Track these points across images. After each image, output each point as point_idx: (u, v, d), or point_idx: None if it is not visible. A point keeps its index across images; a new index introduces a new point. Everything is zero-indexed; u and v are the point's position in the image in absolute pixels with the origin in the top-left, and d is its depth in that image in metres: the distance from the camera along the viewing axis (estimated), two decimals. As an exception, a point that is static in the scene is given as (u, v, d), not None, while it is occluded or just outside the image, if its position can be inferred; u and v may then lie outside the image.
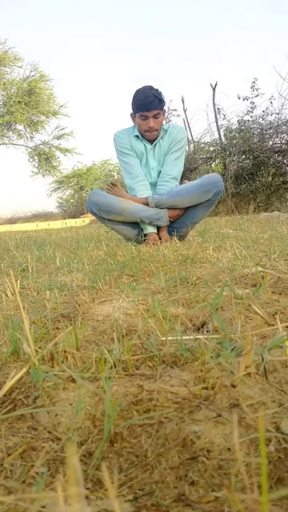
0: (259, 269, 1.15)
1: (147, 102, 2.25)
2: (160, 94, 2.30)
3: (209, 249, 1.76)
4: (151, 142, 2.42)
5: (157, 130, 2.34)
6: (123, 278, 1.29)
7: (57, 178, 19.81)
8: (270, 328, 0.68)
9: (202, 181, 2.31)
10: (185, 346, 0.63)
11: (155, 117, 2.30)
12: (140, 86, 2.39)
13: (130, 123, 2.51)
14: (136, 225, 2.41)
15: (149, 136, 2.36)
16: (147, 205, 2.32)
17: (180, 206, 2.33)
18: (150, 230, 2.35)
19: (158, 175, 2.47)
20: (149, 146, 2.42)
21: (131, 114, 2.42)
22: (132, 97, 2.35)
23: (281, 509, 0.33)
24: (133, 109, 2.36)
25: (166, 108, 2.41)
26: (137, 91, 2.32)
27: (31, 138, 17.53)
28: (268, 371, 0.55)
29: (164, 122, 2.46)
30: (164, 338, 0.67)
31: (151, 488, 0.36)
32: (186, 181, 2.50)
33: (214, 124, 8.18)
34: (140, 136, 2.41)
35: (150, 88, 2.30)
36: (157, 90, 2.30)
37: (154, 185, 2.48)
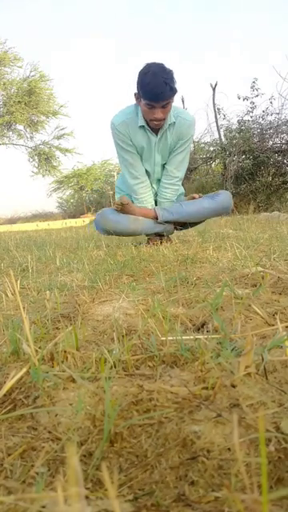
0: (259, 269, 1.15)
1: (157, 93, 1.89)
2: (172, 78, 1.92)
3: (209, 249, 1.76)
4: (156, 132, 2.13)
5: (164, 119, 2.03)
6: (123, 277, 1.29)
7: (57, 177, 19.83)
8: (270, 328, 0.68)
9: (214, 205, 2.22)
10: (185, 346, 0.63)
11: (164, 107, 1.97)
12: (150, 62, 1.94)
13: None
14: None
15: (154, 125, 2.06)
16: (156, 217, 2.25)
17: (187, 222, 2.32)
18: (152, 234, 2.35)
19: (162, 168, 2.29)
20: (154, 138, 2.13)
21: (135, 94, 2.04)
22: (139, 75, 1.95)
23: (281, 509, 0.33)
24: (138, 90, 1.99)
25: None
26: (146, 72, 1.92)
27: (31, 137, 17.54)
28: (268, 371, 0.55)
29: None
30: (164, 338, 0.67)
31: (151, 488, 0.36)
32: (196, 195, 2.35)
33: (214, 124, 8.18)
34: (145, 125, 2.09)
35: (163, 70, 1.91)
36: (169, 73, 1.91)
37: (157, 180, 2.32)
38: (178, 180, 2.29)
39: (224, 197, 2.26)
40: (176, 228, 2.37)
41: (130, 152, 2.20)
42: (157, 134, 2.14)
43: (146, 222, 2.24)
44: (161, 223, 2.26)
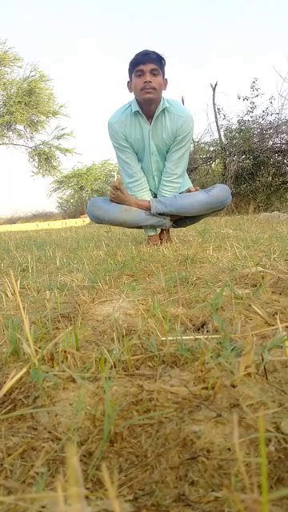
0: (259, 269, 1.15)
1: (143, 54, 2.01)
2: (160, 54, 2.06)
3: (209, 249, 1.76)
4: (150, 119, 2.14)
5: (155, 88, 2.02)
6: (123, 278, 1.29)
7: (57, 178, 19.83)
8: (270, 328, 0.68)
9: (209, 199, 2.16)
10: (185, 346, 0.63)
11: (153, 73, 2.02)
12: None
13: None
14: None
15: (147, 97, 2.03)
16: (149, 208, 2.22)
17: (182, 216, 2.27)
18: (152, 233, 2.33)
19: (161, 159, 2.26)
20: (148, 126, 2.14)
21: (128, 83, 2.15)
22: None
23: (281, 509, 0.33)
24: (129, 72, 2.10)
25: (166, 73, 2.13)
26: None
27: (31, 138, 17.55)
28: (268, 371, 0.55)
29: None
30: (164, 338, 0.67)
31: (151, 488, 0.36)
32: (193, 188, 2.28)
33: (214, 124, 8.18)
34: (139, 111, 2.11)
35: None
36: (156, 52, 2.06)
37: (157, 171, 2.30)
38: (177, 177, 2.26)
39: (219, 190, 2.19)
40: (173, 225, 2.33)
41: (125, 151, 2.23)
42: (150, 123, 2.15)
43: (138, 212, 2.21)
44: (154, 215, 2.23)
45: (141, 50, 2.06)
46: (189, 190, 2.29)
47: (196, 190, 2.26)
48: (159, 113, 2.11)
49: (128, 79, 2.14)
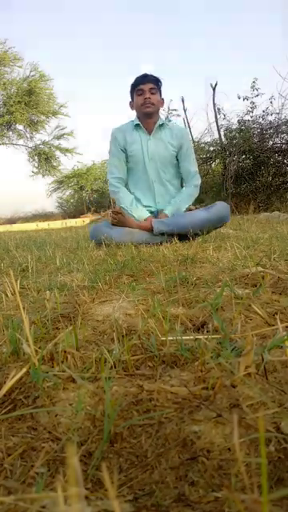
0: (259, 269, 1.15)
1: (143, 76, 2.39)
2: (157, 77, 2.44)
3: (209, 249, 1.76)
4: (149, 132, 2.46)
5: (153, 104, 2.38)
6: (123, 278, 1.29)
7: (57, 178, 19.79)
8: (270, 328, 0.68)
9: (209, 216, 2.30)
10: (185, 346, 0.63)
11: (151, 91, 2.38)
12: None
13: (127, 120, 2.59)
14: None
15: (146, 110, 2.39)
16: (151, 229, 2.31)
17: (184, 234, 2.36)
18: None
19: (161, 166, 2.49)
20: (147, 136, 2.46)
21: (130, 103, 2.51)
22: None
23: (281, 509, 0.33)
24: (131, 93, 2.47)
25: (163, 94, 2.50)
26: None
27: (31, 137, 17.51)
28: (268, 371, 0.55)
29: (162, 117, 2.54)
30: (164, 338, 0.67)
31: (151, 488, 0.36)
32: (193, 207, 2.50)
33: (214, 124, 8.16)
34: (140, 124, 2.44)
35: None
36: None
37: (158, 178, 2.50)
38: (195, 172, 2.55)
39: (219, 207, 2.35)
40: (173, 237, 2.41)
41: (118, 157, 2.50)
42: (150, 133, 2.47)
43: (140, 234, 2.30)
44: (156, 235, 2.30)
45: (140, 74, 2.44)
46: (189, 209, 2.49)
47: (196, 209, 2.46)
48: (157, 126, 2.45)
49: (130, 100, 2.50)
